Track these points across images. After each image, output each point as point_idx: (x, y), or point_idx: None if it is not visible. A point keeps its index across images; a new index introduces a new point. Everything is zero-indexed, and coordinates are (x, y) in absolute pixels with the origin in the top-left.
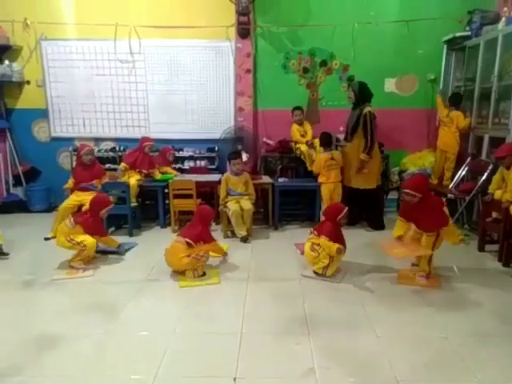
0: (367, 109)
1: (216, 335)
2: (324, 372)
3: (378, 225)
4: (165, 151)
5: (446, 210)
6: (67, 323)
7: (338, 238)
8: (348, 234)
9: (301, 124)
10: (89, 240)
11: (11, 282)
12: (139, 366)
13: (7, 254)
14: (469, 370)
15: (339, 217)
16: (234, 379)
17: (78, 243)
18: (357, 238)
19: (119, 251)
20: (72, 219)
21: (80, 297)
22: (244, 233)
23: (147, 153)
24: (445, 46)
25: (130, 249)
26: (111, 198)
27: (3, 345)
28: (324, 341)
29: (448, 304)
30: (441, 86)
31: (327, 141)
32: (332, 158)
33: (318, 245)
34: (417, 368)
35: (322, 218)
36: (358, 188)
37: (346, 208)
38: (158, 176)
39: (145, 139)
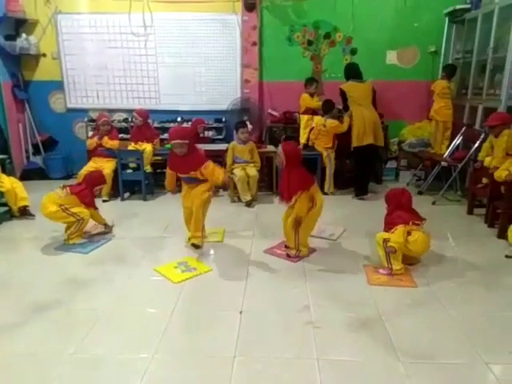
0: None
1: (223, 279)
2: (317, 308)
3: (360, 190)
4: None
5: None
6: (95, 269)
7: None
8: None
9: (312, 96)
10: (85, 212)
11: (41, 237)
12: (156, 303)
13: (33, 215)
14: (444, 309)
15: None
16: (241, 312)
17: (73, 214)
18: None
19: (108, 230)
20: (68, 188)
21: (103, 249)
22: (248, 197)
23: (137, 124)
24: (446, 19)
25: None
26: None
27: (45, 285)
28: (319, 285)
29: (436, 258)
30: (441, 59)
31: (327, 106)
32: (324, 126)
33: None
34: (399, 307)
35: None
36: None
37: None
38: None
39: (135, 112)
